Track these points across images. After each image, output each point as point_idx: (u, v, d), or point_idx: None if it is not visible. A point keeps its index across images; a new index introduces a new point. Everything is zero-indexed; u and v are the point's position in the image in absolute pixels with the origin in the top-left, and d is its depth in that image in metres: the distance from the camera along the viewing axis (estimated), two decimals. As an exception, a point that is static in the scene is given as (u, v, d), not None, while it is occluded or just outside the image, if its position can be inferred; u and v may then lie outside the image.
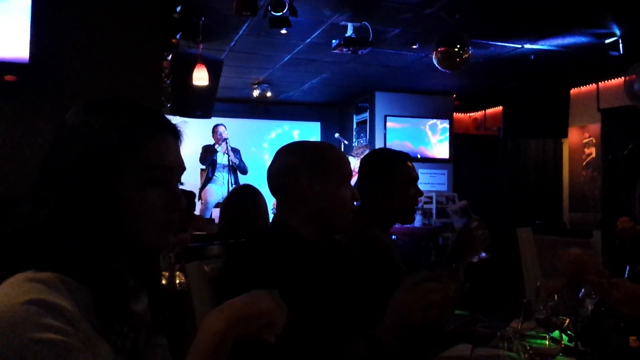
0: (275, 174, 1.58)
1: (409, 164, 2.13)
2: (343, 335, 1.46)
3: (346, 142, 7.17)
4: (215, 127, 7.25)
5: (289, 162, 1.56)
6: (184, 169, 1.02)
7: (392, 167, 2.10)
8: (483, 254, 2.05)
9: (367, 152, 7.06)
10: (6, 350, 0.76)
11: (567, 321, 1.53)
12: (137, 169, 0.94)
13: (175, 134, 1.02)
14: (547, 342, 1.36)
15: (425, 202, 7.25)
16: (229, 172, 7.02)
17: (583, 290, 1.59)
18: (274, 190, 1.60)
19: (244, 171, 7.11)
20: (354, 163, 7.16)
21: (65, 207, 0.90)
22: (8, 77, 2.69)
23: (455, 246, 2.05)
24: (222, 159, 7.12)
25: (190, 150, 7.17)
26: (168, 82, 5.15)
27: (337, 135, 7.57)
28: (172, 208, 0.97)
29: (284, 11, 4.18)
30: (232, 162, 7.01)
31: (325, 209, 1.53)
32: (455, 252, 2.03)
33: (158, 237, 0.97)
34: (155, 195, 0.95)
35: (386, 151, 2.31)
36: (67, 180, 0.91)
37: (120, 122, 0.94)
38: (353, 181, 1.65)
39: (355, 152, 7.27)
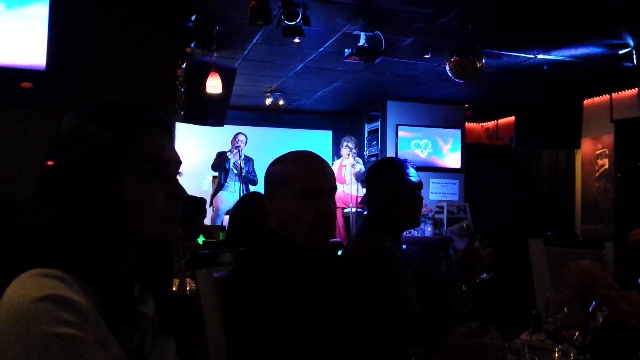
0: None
1: (404, 169, 2.12)
2: (331, 341, 1.46)
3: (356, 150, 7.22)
4: (236, 134, 7.29)
5: (265, 175, 1.59)
6: (180, 162, 1.05)
7: (386, 173, 2.14)
8: (484, 275, 2.05)
9: (350, 156, 7.26)
10: (22, 344, 0.78)
11: (577, 333, 1.53)
12: (135, 164, 0.97)
13: (167, 128, 1.05)
14: (556, 355, 1.36)
15: (436, 212, 7.23)
16: (241, 180, 7.05)
17: (594, 303, 1.59)
18: None
19: (253, 182, 7.11)
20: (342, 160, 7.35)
21: (69, 209, 0.92)
22: (25, 84, 2.73)
23: (460, 267, 2.03)
24: (234, 166, 7.15)
25: (203, 156, 7.22)
26: (182, 90, 5.19)
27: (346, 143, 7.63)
28: (174, 199, 1.00)
29: (298, 20, 4.21)
30: (243, 172, 7.02)
31: (282, 223, 1.50)
32: (461, 272, 2.01)
33: (164, 228, 0.99)
34: (156, 188, 0.98)
35: (385, 159, 2.37)
36: (69, 183, 0.94)
37: (112, 122, 0.97)
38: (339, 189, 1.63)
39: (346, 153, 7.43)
